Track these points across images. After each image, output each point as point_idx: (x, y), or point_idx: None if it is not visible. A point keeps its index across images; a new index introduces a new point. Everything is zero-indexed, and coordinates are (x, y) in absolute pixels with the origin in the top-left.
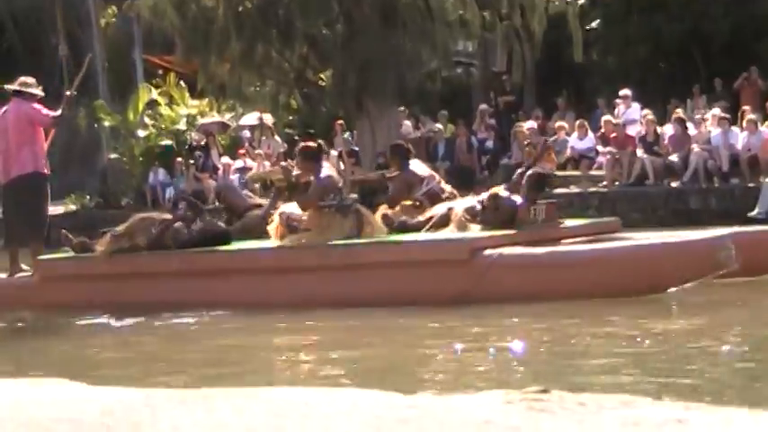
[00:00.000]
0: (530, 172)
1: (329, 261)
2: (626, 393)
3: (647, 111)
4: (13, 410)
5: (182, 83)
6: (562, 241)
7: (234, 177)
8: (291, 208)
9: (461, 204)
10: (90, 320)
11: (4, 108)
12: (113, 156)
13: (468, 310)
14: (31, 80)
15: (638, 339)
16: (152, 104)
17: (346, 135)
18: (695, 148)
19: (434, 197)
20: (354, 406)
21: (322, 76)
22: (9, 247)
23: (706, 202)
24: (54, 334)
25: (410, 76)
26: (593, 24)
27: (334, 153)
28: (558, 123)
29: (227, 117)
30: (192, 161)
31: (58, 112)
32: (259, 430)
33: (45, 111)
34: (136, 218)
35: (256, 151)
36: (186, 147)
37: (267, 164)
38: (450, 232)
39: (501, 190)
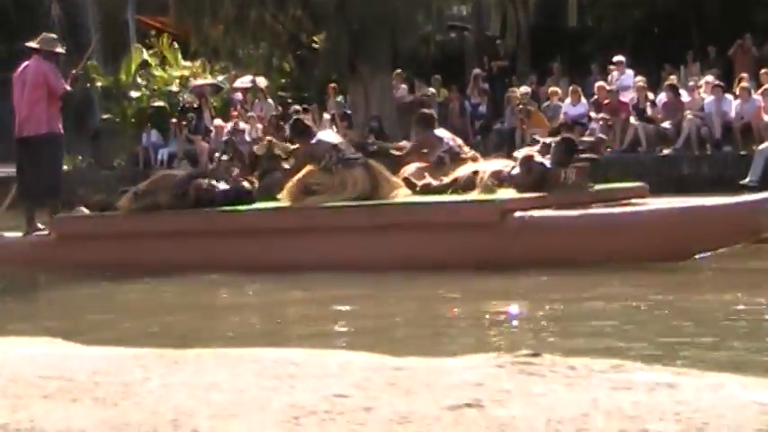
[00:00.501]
0: (559, 138)
1: (353, 222)
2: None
3: (639, 77)
4: (1, 367)
5: (175, 44)
6: (591, 205)
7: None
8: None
9: (487, 167)
10: (99, 279)
11: (25, 63)
12: (106, 117)
13: (492, 273)
14: (52, 37)
15: (646, 307)
16: (145, 66)
17: (339, 98)
18: (688, 115)
19: (455, 157)
20: (344, 368)
21: (315, 39)
22: (23, 204)
23: (698, 169)
24: (50, 290)
25: (404, 40)
26: None
27: (326, 116)
28: (552, 89)
29: (219, 79)
30: (184, 123)
31: (68, 88)
32: (248, 390)
33: (59, 78)
34: (158, 174)
35: (249, 113)
36: (179, 108)
37: (260, 126)
38: (475, 195)
39: (535, 152)
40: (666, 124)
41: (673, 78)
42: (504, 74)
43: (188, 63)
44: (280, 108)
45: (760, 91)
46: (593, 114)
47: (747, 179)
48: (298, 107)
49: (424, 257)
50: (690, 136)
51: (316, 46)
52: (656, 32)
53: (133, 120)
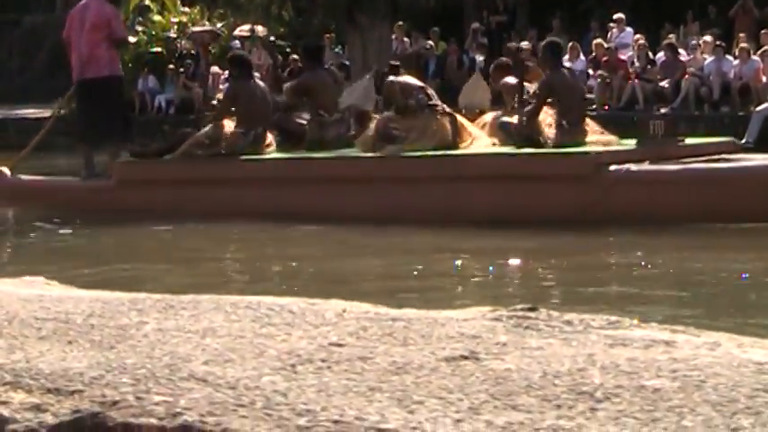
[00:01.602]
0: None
1: (437, 172)
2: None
3: (638, 36)
4: None
5: None
6: (683, 159)
7: (223, 87)
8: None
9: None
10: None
11: (84, 3)
12: None
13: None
14: None
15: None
16: (143, 11)
17: (337, 49)
18: (687, 74)
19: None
20: (340, 316)
21: None
22: (83, 147)
23: (695, 128)
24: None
25: None
26: None
27: None
28: None
29: (218, 26)
30: (182, 69)
31: (122, 40)
32: (244, 336)
33: (120, 23)
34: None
35: None
36: (176, 55)
37: (257, 75)
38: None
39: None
40: (665, 83)
41: (671, 37)
42: (502, 29)
43: (186, 9)
44: (280, 57)
45: (759, 52)
46: (590, 72)
47: (744, 140)
48: (296, 56)
49: (512, 210)
50: (688, 96)
51: None
52: None
53: (130, 65)
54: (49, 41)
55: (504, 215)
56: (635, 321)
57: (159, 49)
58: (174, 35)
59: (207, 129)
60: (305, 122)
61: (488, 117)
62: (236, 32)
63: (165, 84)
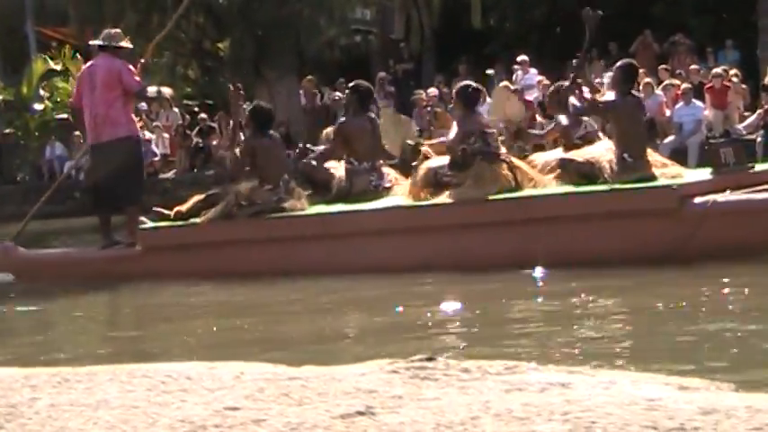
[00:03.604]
0: (620, 63)
1: (504, 216)
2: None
3: (542, 77)
4: None
5: (77, 55)
6: (758, 187)
7: None
8: (436, 162)
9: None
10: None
11: (91, 63)
12: (8, 130)
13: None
14: (116, 32)
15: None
16: (48, 78)
17: (245, 105)
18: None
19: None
20: (238, 379)
21: (220, 45)
22: (99, 213)
23: None
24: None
25: (308, 45)
26: None
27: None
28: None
29: None
30: None
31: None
32: (138, 406)
33: (133, 74)
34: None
35: (154, 123)
36: None
37: (166, 136)
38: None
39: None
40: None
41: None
42: (409, 76)
43: None
44: (189, 117)
45: (661, 87)
46: None
47: None
48: (204, 115)
49: (586, 251)
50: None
51: (220, 53)
52: (559, 31)
53: (37, 133)
54: None
55: (579, 257)
56: (532, 364)
57: (65, 116)
58: None
59: (240, 188)
60: (332, 171)
61: (540, 158)
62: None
63: (72, 150)
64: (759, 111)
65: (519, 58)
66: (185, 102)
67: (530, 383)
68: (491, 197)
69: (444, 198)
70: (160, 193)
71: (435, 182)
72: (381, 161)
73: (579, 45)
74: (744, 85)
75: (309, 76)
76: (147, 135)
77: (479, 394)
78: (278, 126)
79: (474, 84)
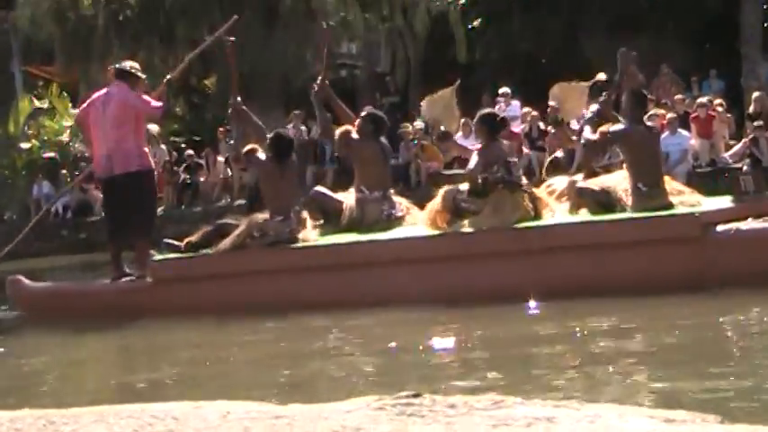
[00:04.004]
0: (628, 91)
1: (522, 245)
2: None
3: (527, 108)
4: None
5: (64, 93)
6: None
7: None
8: (460, 187)
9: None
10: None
11: (104, 91)
12: None
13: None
14: (133, 64)
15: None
16: (34, 116)
17: (232, 141)
18: (579, 142)
19: None
20: (224, 418)
21: (206, 82)
22: (112, 245)
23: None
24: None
25: (295, 79)
26: (476, 23)
27: (221, 159)
28: None
29: None
30: (77, 172)
31: (161, 102)
32: None
33: (149, 100)
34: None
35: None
36: (71, 158)
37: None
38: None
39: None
40: (559, 153)
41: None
42: (395, 109)
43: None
44: (176, 153)
45: (647, 116)
46: None
47: None
48: (191, 151)
49: (609, 281)
50: (581, 163)
51: (207, 89)
52: (544, 63)
53: (24, 171)
54: None
55: (601, 287)
56: (518, 399)
57: (53, 155)
58: (67, 139)
59: (252, 218)
60: (342, 200)
61: (558, 183)
62: None
63: (60, 188)
64: (744, 139)
65: (501, 91)
66: (172, 138)
67: (516, 418)
68: (512, 226)
69: (464, 226)
70: None
71: (454, 208)
72: (392, 190)
73: (563, 77)
74: (729, 114)
75: (296, 111)
76: None
77: (466, 430)
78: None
79: (497, 112)
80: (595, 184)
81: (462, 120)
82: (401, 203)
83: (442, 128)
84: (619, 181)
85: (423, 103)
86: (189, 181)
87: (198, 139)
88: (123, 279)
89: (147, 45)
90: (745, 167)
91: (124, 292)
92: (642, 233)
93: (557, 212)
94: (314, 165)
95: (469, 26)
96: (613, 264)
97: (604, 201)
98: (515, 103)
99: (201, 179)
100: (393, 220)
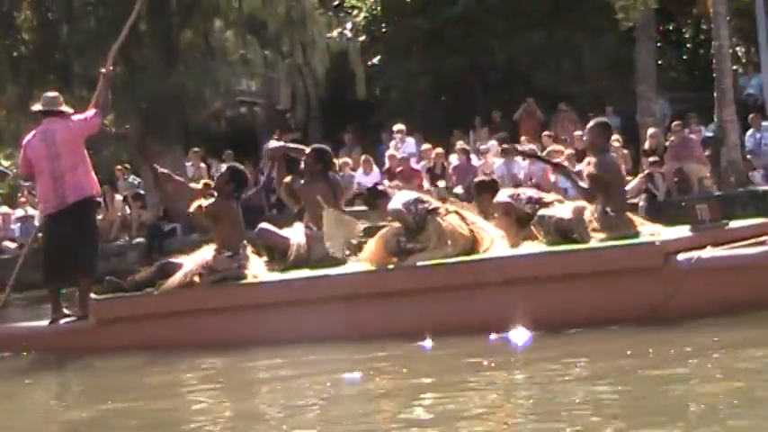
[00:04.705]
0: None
1: (481, 278)
2: None
3: (427, 145)
4: None
5: None
6: (734, 243)
7: (15, 227)
8: (391, 231)
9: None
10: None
11: (39, 129)
12: None
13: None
14: (55, 95)
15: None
16: None
17: (131, 179)
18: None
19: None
20: None
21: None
22: (52, 285)
23: None
24: None
25: (194, 117)
26: (375, 60)
27: (119, 197)
28: (343, 159)
29: (5, 165)
30: None
31: (100, 99)
32: None
33: (85, 116)
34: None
35: (36, 199)
36: None
37: None
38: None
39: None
40: (459, 189)
41: (460, 144)
42: None
43: None
44: None
45: (545, 153)
46: (386, 182)
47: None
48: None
49: (569, 313)
50: None
51: (105, 126)
52: (444, 99)
53: None
54: None
55: (559, 320)
56: None
57: None
58: None
59: (198, 257)
60: (288, 237)
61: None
62: None
63: None
64: (640, 175)
65: (395, 128)
66: None
67: None
68: (462, 259)
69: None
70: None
71: (398, 250)
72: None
73: (463, 113)
74: (625, 150)
75: (196, 149)
76: (31, 211)
77: None
78: (162, 200)
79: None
80: (556, 212)
81: (363, 157)
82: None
83: (353, 241)
84: (578, 209)
85: (326, 243)
86: None
87: (97, 177)
88: (63, 320)
89: (43, 82)
90: (641, 203)
91: (65, 333)
92: (602, 264)
93: (497, 241)
94: None
95: (369, 63)
96: (573, 296)
97: (566, 227)
98: (409, 139)
99: (99, 217)
100: (340, 259)
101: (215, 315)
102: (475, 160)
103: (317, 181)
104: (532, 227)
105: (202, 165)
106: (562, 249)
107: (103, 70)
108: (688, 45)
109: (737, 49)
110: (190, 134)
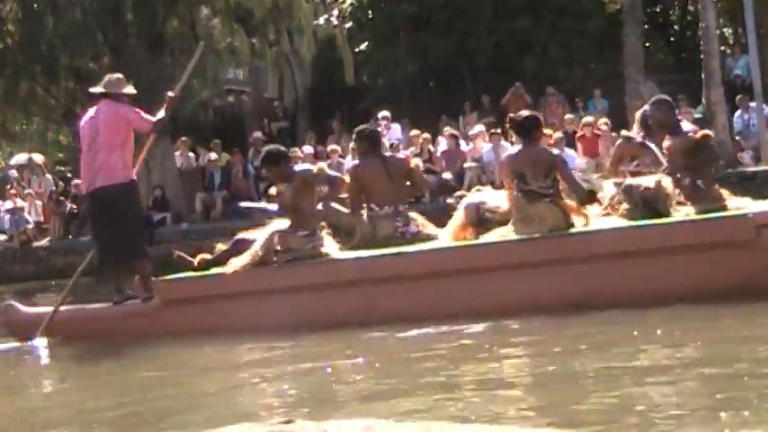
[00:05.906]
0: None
1: (563, 253)
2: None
3: (415, 131)
4: None
5: None
6: None
7: (5, 218)
8: (481, 197)
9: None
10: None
11: (93, 109)
12: None
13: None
14: (118, 77)
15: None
16: None
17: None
18: (468, 163)
19: None
20: None
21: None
22: (105, 270)
23: None
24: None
25: (181, 106)
26: (362, 47)
27: None
28: (331, 147)
29: None
30: None
31: (161, 115)
32: None
33: (144, 114)
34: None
35: (26, 191)
36: None
37: (39, 203)
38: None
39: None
40: (447, 175)
41: (448, 129)
42: (284, 134)
43: None
44: (62, 183)
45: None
46: None
47: None
48: (78, 181)
49: (657, 288)
50: (471, 184)
51: None
52: (432, 85)
53: None
54: None
55: (648, 295)
56: (390, 422)
57: None
58: None
59: (273, 236)
60: (355, 218)
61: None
62: (12, 161)
63: None
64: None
65: (380, 114)
66: (58, 168)
67: None
68: (551, 233)
69: (496, 236)
70: (35, 261)
71: (478, 220)
72: (405, 205)
73: (452, 99)
74: (614, 133)
75: (184, 138)
76: (20, 203)
77: None
78: (153, 189)
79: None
80: (643, 182)
81: (351, 144)
82: (416, 219)
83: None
84: (663, 180)
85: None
86: (76, 211)
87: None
88: (128, 302)
89: (30, 74)
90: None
91: (129, 315)
92: (695, 237)
93: (594, 220)
94: (203, 192)
95: (356, 50)
96: (663, 271)
97: (651, 197)
98: (395, 126)
99: None
100: (408, 238)
101: (286, 294)
102: (464, 145)
103: (370, 159)
104: (618, 197)
105: (191, 154)
106: (656, 222)
107: (171, 94)
108: (675, 27)
109: (724, 30)
110: (177, 123)
